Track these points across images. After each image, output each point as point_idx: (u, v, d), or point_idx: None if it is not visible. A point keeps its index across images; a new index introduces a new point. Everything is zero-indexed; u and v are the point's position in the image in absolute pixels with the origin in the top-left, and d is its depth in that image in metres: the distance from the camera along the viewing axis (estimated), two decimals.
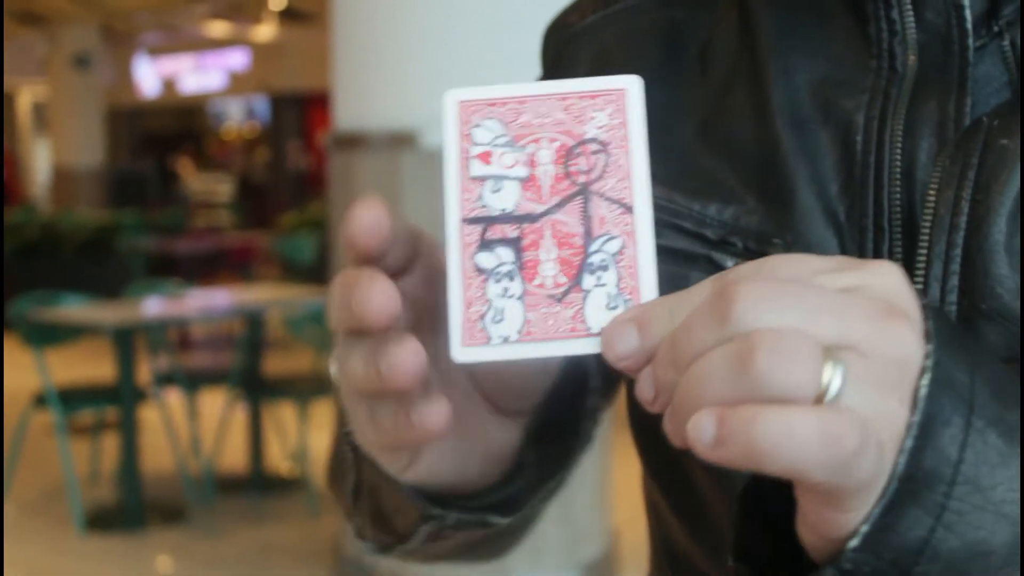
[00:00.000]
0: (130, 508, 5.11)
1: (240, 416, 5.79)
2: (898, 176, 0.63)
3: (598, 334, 0.48)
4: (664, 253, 0.70)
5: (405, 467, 0.57)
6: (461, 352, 0.48)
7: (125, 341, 5.06)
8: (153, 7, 14.84)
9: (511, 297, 0.48)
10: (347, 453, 0.62)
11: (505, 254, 0.49)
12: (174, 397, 5.93)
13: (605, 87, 0.50)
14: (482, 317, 0.48)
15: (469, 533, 0.63)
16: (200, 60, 21.01)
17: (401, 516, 0.62)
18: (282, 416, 5.86)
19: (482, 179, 0.49)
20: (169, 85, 21.66)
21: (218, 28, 18.46)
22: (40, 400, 5.18)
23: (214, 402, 6.04)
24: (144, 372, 5.51)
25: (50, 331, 5.22)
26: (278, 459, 5.90)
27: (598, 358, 0.49)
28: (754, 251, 0.66)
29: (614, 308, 0.48)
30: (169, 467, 5.62)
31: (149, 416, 5.59)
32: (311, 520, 5.16)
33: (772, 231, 0.66)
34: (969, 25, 0.63)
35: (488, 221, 0.49)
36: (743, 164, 0.69)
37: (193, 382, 5.61)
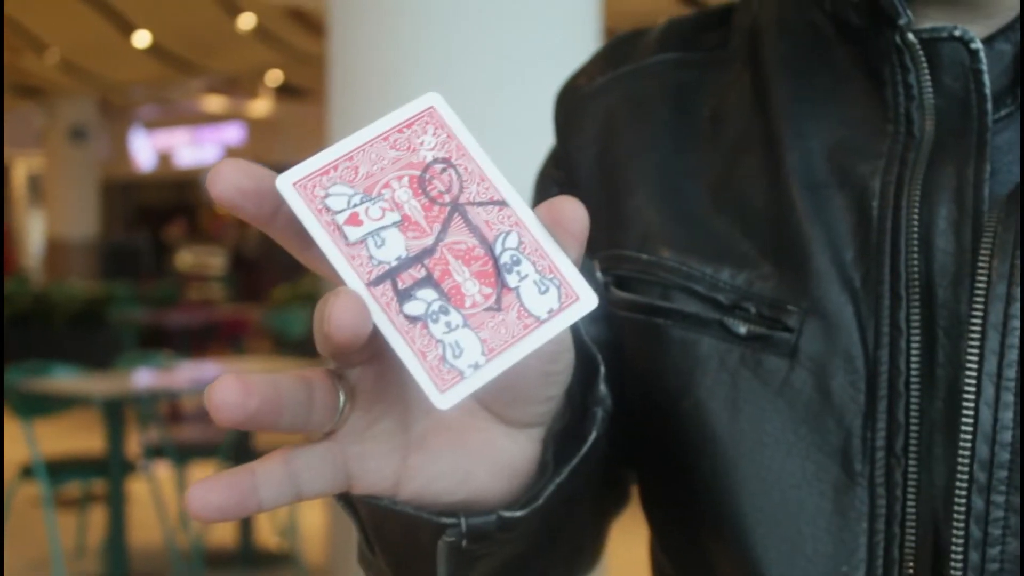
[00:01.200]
0: None
1: None
2: (915, 242, 0.62)
3: (548, 319, 0.49)
4: (675, 317, 0.69)
5: (392, 484, 0.54)
6: (442, 399, 0.48)
7: (115, 413, 5.02)
8: (150, 81, 14.95)
9: (456, 328, 0.48)
10: (344, 508, 0.58)
11: (426, 294, 0.49)
12: (163, 470, 5.87)
13: (414, 112, 0.51)
14: (442, 359, 0.48)
15: (499, 550, 0.57)
16: (196, 134, 21.14)
17: (416, 548, 0.57)
18: None
19: (362, 240, 0.49)
20: (164, 158, 21.77)
21: (214, 103, 18.61)
22: (27, 471, 5.12)
23: (204, 475, 5.96)
24: (133, 444, 5.46)
25: (39, 402, 5.17)
26: (268, 534, 5.84)
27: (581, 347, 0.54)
28: (768, 317, 0.65)
29: (546, 291, 0.49)
30: (157, 541, 5.55)
31: (137, 489, 5.53)
32: None
33: (787, 297, 0.65)
34: (988, 90, 0.62)
35: (392, 274, 0.49)
36: (757, 228, 0.68)
37: (183, 455, 5.55)
